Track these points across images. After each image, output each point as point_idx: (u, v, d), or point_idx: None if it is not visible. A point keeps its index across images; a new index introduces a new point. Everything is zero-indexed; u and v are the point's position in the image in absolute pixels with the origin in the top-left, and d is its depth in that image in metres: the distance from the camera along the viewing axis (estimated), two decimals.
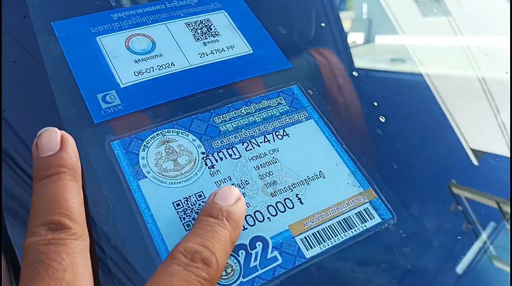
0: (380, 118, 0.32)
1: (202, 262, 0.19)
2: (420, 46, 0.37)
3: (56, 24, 0.30)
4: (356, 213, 0.26)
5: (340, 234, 0.25)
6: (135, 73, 0.29)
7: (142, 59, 0.29)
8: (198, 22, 0.33)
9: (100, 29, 0.30)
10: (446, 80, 0.36)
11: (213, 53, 0.31)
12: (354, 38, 0.37)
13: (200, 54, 0.31)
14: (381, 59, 0.37)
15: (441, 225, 0.28)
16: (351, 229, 0.25)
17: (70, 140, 0.22)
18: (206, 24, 0.33)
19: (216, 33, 0.32)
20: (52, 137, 0.22)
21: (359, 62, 0.35)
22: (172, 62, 0.30)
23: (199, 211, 0.24)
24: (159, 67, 0.29)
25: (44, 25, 0.30)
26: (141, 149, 0.25)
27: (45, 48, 0.29)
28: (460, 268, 0.27)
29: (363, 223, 0.26)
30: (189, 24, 0.32)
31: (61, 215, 0.19)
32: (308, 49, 0.35)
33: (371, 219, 0.26)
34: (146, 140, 0.26)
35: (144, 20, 0.32)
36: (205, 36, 0.32)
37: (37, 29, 0.30)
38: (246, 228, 0.24)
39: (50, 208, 0.20)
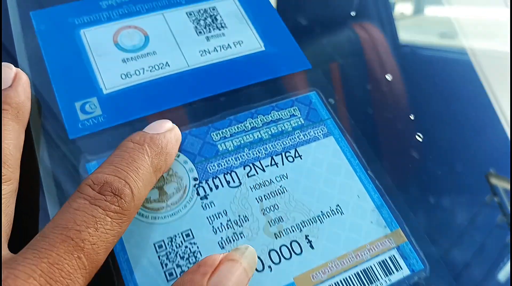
0: (417, 136, 0.26)
1: (113, 194, 0.17)
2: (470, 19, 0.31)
3: (35, 14, 0.26)
4: (379, 262, 0.21)
5: None
6: (122, 75, 0.24)
7: (131, 57, 0.25)
8: (201, 11, 0.28)
9: (86, 20, 0.26)
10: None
11: (217, 51, 0.26)
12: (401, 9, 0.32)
13: (201, 52, 0.26)
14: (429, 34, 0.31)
15: (488, 275, 0.23)
16: (372, 284, 0.20)
17: (23, 79, 0.21)
18: (211, 14, 0.28)
19: (223, 25, 0.27)
20: (5, 73, 0.21)
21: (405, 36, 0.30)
22: (166, 62, 0.25)
23: (184, 256, 0.20)
24: (150, 68, 0.25)
25: (22, 15, 0.26)
26: None
27: (19, 43, 0.25)
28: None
29: (388, 275, 0.21)
30: (191, 14, 0.27)
31: None
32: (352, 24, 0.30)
33: (397, 271, 0.21)
34: None
35: (138, 9, 0.27)
36: (209, 28, 0.27)
37: (13, 20, 0.25)
38: None
39: None
